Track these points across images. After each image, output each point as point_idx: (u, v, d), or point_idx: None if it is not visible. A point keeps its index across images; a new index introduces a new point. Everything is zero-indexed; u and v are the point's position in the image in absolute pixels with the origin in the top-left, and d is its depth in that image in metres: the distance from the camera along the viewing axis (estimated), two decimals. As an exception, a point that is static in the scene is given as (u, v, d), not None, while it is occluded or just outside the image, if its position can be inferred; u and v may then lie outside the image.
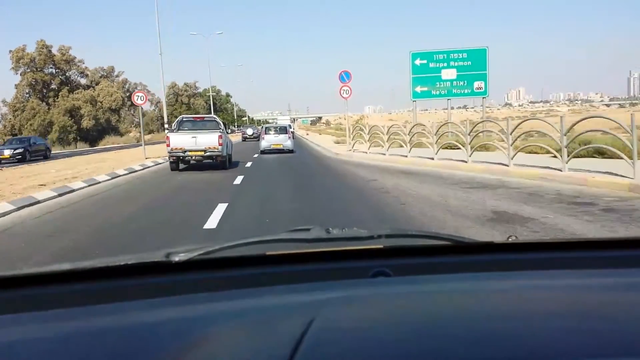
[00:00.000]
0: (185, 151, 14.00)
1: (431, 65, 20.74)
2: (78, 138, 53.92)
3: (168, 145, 14.12)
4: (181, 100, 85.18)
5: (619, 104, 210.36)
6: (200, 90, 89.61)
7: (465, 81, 20.60)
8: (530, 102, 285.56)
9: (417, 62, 20.73)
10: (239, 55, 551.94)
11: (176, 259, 1.01)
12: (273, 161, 18.23)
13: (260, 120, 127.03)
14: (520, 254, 1.23)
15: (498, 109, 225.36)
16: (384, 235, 1.11)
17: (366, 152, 18.42)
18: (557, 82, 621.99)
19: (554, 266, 1.12)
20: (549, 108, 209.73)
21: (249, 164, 16.50)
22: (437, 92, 20.95)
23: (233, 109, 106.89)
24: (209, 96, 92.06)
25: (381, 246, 1.16)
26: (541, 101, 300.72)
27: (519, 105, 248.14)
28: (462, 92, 20.82)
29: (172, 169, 14.42)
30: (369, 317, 0.80)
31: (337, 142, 28.96)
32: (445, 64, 20.69)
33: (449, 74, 20.68)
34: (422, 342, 0.69)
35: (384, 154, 16.82)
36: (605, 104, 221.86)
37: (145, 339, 0.76)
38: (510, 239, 1.32)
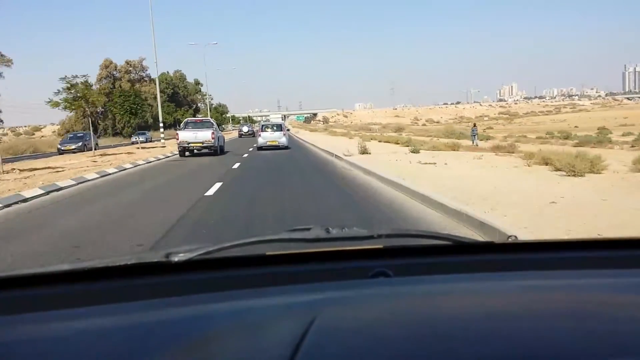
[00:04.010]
0: (189, 143, 22.02)
1: None
2: None
3: (177, 139, 22.39)
4: (120, 85, 63.46)
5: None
6: (149, 72, 67.97)
7: None
8: (525, 98, 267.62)
9: None
10: (225, 51, 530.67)
11: (176, 259, 1.04)
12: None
13: (238, 117, 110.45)
14: (521, 254, 1.27)
15: (516, 103, 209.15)
16: (384, 235, 1.13)
17: None
18: (549, 78, 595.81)
19: (554, 266, 1.15)
20: (571, 102, 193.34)
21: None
22: None
23: (204, 99, 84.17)
24: (168, 83, 72.69)
25: (381, 246, 1.19)
26: (535, 97, 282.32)
27: (514, 102, 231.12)
28: None
29: (180, 155, 22.33)
30: (369, 317, 0.84)
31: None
32: None
33: None
34: (422, 343, 0.72)
35: None
36: (628, 97, 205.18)
37: (145, 340, 0.79)
38: (510, 239, 1.35)
